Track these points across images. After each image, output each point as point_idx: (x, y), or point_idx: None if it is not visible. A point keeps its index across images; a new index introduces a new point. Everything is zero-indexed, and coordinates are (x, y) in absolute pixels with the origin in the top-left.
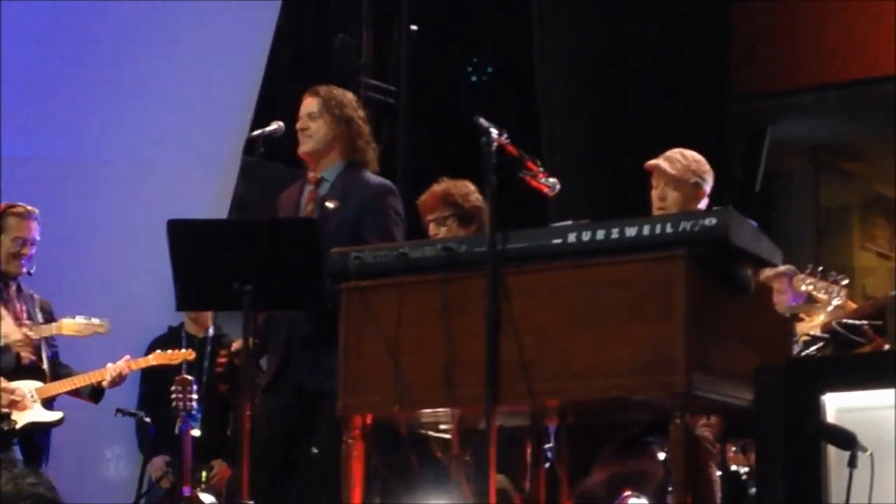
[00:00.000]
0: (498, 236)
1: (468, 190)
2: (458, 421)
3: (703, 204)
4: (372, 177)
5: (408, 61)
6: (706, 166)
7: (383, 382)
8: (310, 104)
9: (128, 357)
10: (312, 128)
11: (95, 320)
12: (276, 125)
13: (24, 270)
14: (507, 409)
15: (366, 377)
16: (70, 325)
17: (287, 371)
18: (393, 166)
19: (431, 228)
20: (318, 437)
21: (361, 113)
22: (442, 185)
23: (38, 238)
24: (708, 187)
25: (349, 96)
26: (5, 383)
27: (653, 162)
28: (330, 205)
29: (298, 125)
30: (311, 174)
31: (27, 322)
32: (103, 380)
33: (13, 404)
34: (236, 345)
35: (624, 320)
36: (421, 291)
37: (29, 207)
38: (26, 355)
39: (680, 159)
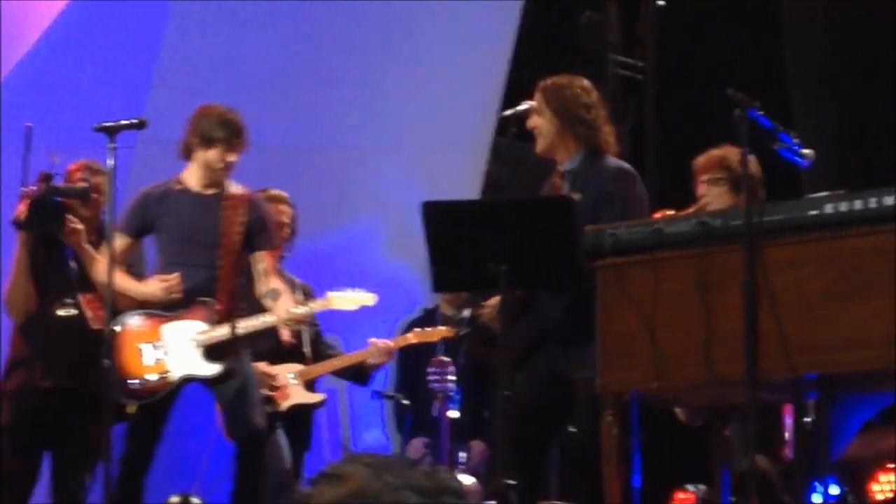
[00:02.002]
0: (754, 209)
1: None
2: (717, 396)
3: None
4: (610, 163)
5: (655, 37)
6: None
7: (641, 359)
8: (535, 101)
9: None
10: (539, 124)
11: (362, 292)
12: (527, 104)
13: (282, 253)
14: (767, 383)
15: (623, 354)
16: (339, 298)
17: (542, 352)
18: (642, 142)
19: (701, 189)
20: (574, 417)
21: (586, 99)
22: (721, 149)
23: (288, 221)
24: None
25: (576, 84)
26: (265, 367)
27: None
28: (575, 197)
29: (529, 124)
30: (557, 171)
31: (299, 298)
32: (365, 360)
33: (274, 390)
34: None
35: (884, 291)
36: (677, 267)
37: (278, 192)
38: (287, 339)
39: None
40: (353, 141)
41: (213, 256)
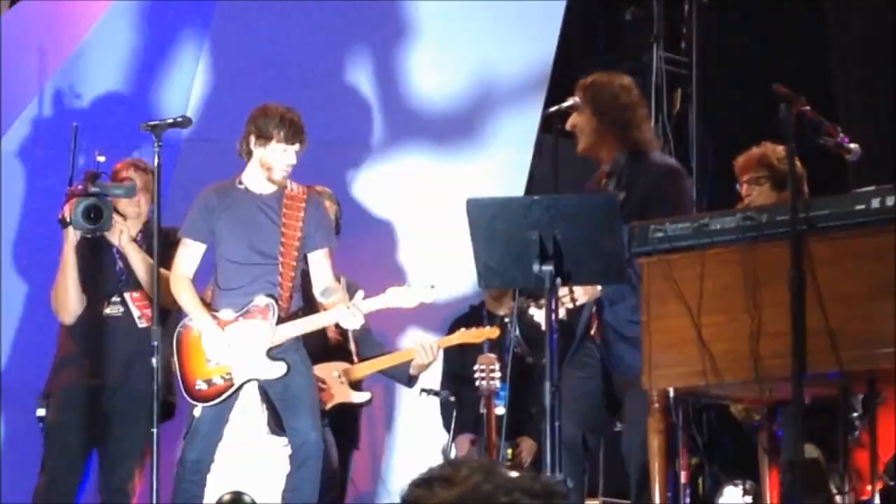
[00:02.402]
0: (800, 204)
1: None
2: (764, 392)
3: None
4: (655, 160)
5: (699, 32)
6: None
7: (687, 355)
8: (574, 100)
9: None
10: (579, 123)
11: (421, 287)
12: (572, 101)
13: None
14: (814, 378)
15: (669, 350)
16: (398, 294)
17: (587, 348)
18: (687, 136)
19: (745, 189)
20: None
21: (625, 98)
22: (760, 148)
23: (332, 217)
24: None
25: (616, 83)
26: None
27: None
28: (619, 196)
29: (569, 123)
30: (600, 170)
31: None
32: (410, 360)
33: (321, 389)
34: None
35: None
36: (723, 262)
37: (323, 188)
38: (334, 336)
39: None
40: (402, 137)
41: (274, 256)
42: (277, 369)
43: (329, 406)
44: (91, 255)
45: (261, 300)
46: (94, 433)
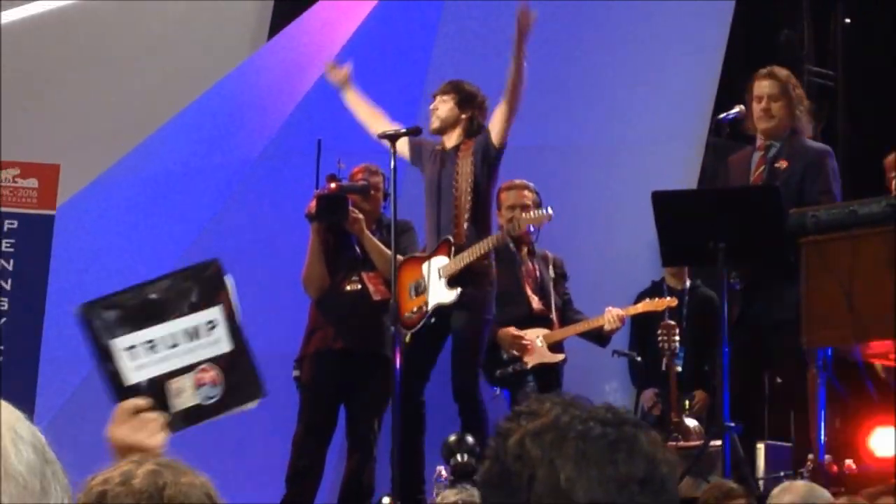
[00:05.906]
0: None
1: None
2: None
3: None
4: (811, 142)
5: (844, 49)
6: None
7: (840, 320)
8: (772, 87)
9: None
10: (774, 109)
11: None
12: (738, 109)
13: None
14: None
15: (824, 317)
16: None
17: (750, 308)
18: (834, 143)
19: (894, 185)
20: (776, 366)
21: (800, 90)
22: None
23: (531, 204)
24: None
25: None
26: (514, 331)
27: None
28: (782, 164)
29: (763, 105)
30: (760, 142)
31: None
32: (602, 325)
33: (522, 349)
34: None
35: None
36: (871, 242)
37: (521, 181)
38: (537, 306)
39: None
40: (591, 140)
41: (451, 199)
42: (453, 294)
43: (529, 366)
44: (333, 243)
45: (444, 238)
46: (340, 389)
